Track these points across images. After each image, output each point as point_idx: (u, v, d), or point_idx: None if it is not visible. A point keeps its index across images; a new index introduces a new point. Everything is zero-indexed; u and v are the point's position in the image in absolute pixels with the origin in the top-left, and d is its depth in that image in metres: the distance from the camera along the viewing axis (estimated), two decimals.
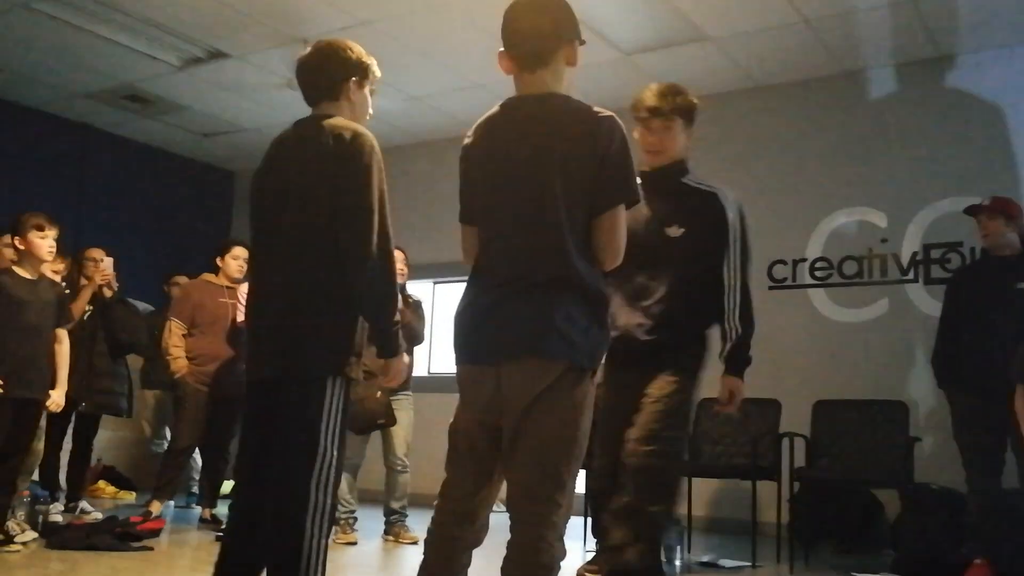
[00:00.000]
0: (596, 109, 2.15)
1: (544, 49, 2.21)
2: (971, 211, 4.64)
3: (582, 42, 2.28)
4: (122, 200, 7.96)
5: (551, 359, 2.03)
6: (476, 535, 2.16)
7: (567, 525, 2.09)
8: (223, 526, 3.79)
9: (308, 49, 2.85)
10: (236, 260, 5.57)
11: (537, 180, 2.10)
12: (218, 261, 5.68)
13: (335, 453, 2.54)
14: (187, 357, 5.49)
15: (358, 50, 2.80)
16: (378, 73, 2.85)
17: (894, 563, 4.58)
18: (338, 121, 2.62)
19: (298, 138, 2.68)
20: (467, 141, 2.28)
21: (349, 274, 2.51)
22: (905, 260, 5.87)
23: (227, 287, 5.61)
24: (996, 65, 5.69)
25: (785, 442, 4.97)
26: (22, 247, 4.47)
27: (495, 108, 2.27)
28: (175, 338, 5.51)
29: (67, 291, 4.98)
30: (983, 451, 4.39)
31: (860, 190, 6.01)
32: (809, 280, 6.10)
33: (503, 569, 2.03)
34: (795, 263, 6.17)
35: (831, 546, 5.25)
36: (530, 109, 2.20)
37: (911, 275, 5.84)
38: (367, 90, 2.81)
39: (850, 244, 6.05)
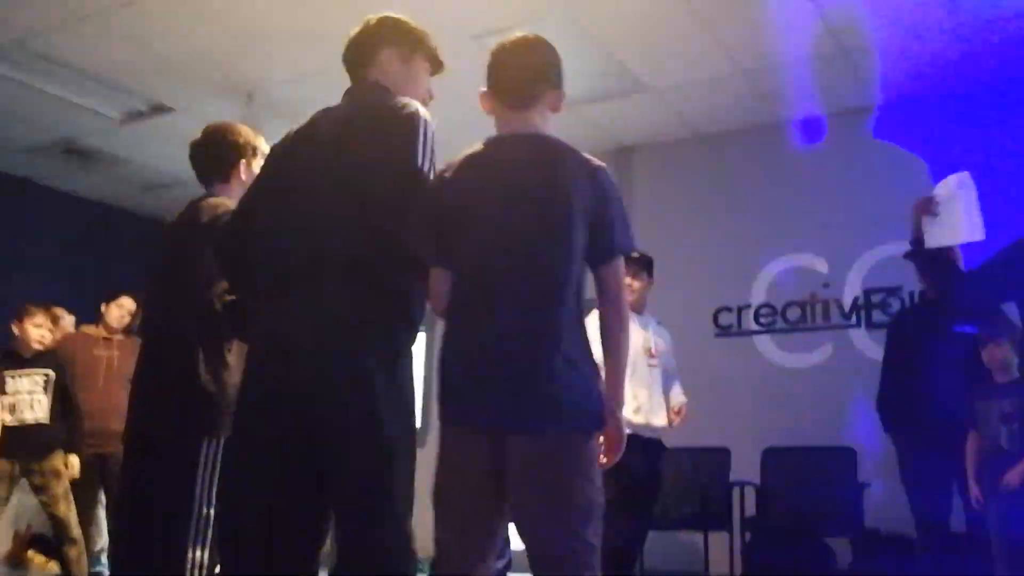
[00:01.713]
0: (589, 156, 2.12)
1: (533, 89, 2.17)
2: (910, 255, 4.71)
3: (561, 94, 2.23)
4: (62, 254, 7.80)
5: (556, 431, 1.94)
6: None
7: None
8: None
9: (198, 134, 2.96)
10: (120, 309, 5.35)
11: (545, 218, 2.03)
12: (102, 308, 5.44)
13: (210, 512, 2.52)
14: None
15: (247, 132, 2.94)
16: (266, 149, 2.86)
17: None
18: (217, 202, 2.76)
19: (184, 220, 2.80)
20: (447, 177, 2.13)
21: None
22: (847, 305, 5.95)
23: (104, 337, 5.37)
24: (925, 113, 5.84)
25: (736, 491, 4.97)
26: None
27: (477, 146, 2.18)
28: None
29: None
30: (931, 495, 4.41)
31: (800, 236, 6.10)
32: (754, 326, 6.16)
33: None
34: (740, 310, 6.23)
35: None
36: (527, 147, 2.13)
37: (853, 320, 5.92)
38: (256, 167, 2.87)
39: (793, 290, 6.12)
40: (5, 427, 4.77)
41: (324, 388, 2.01)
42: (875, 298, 5.85)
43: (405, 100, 2.24)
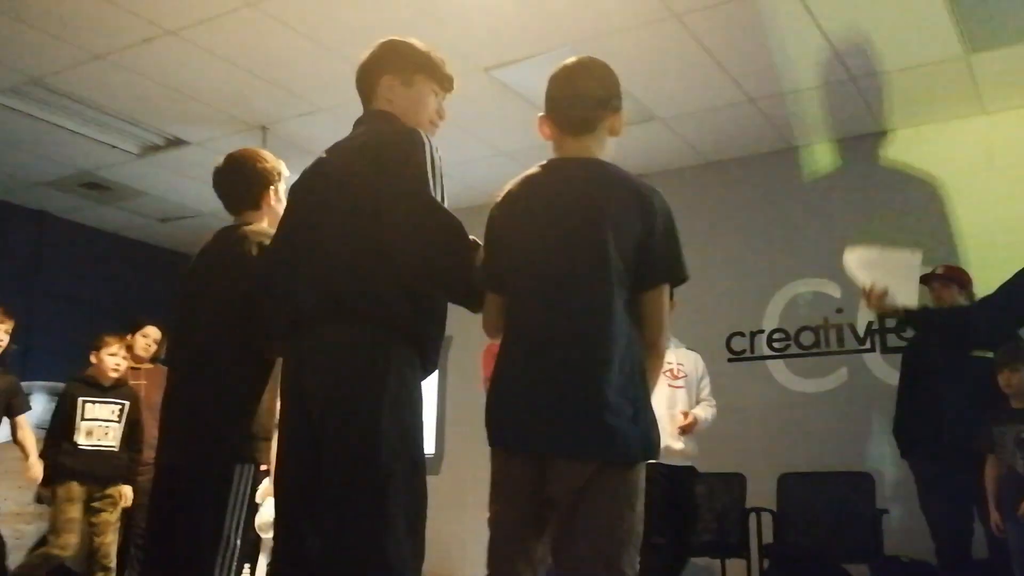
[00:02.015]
0: (643, 180, 2.10)
1: (591, 116, 2.15)
2: (924, 279, 4.71)
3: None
4: (79, 285, 7.88)
5: (601, 459, 1.91)
6: None
7: None
8: None
9: (220, 161, 2.93)
10: (145, 339, 5.45)
11: (589, 242, 1.99)
12: (128, 337, 5.51)
13: (238, 542, 2.53)
14: None
15: (270, 157, 2.93)
16: (287, 173, 2.92)
17: None
18: (251, 231, 2.74)
19: (215, 249, 2.79)
20: (501, 204, 2.15)
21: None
22: (861, 329, 5.93)
23: (132, 368, 5.41)
24: (935, 138, 5.85)
25: (752, 517, 4.94)
26: None
27: (533, 169, 2.17)
28: None
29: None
30: (951, 521, 4.37)
31: (813, 261, 6.09)
32: (767, 351, 6.15)
33: None
34: (752, 335, 6.23)
35: None
36: (578, 173, 2.10)
37: (868, 344, 5.89)
38: (282, 192, 2.88)
39: (806, 315, 6.11)
40: (79, 450, 4.92)
41: (333, 429, 2.08)
42: (890, 322, 5.83)
43: (405, 128, 2.25)
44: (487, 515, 2.05)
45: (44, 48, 5.04)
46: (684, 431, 4.32)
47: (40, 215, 7.81)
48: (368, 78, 2.42)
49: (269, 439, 2.65)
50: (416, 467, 2.12)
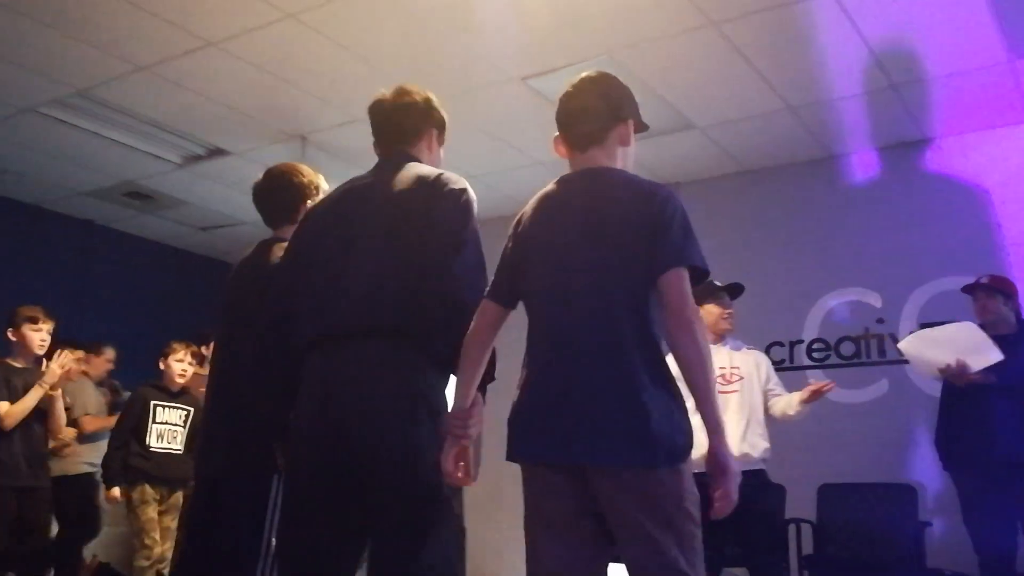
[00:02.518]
0: (651, 181, 2.13)
1: (596, 129, 2.19)
2: (968, 289, 4.66)
3: (643, 126, 2.26)
4: (123, 293, 8.00)
5: (632, 464, 1.91)
6: None
7: None
8: None
9: (260, 176, 3.02)
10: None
11: (593, 250, 2.04)
12: (202, 349, 5.60)
13: (273, 542, 2.56)
14: None
15: (308, 172, 3.00)
16: (326, 187, 2.99)
17: None
18: (285, 245, 2.77)
19: (254, 262, 2.86)
20: (517, 219, 2.24)
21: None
22: (902, 340, 5.85)
23: (198, 375, 5.51)
24: (980, 147, 5.77)
25: (792, 528, 4.90)
26: (15, 339, 4.66)
27: (549, 186, 2.23)
28: None
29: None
30: (995, 536, 4.30)
31: (853, 271, 6.04)
32: (807, 361, 6.09)
33: None
34: (792, 345, 6.17)
35: None
36: (583, 182, 2.16)
37: None
38: None
39: (846, 325, 6.05)
40: (151, 452, 5.06)
41: (373, 444, 2.13)
42: None
43: (454, 176, 2.36)
44: (520, 523, 2.07)
45: (89, 60, 5.13)
46: (817, 392, 4.27)
47: (86, 224, 7.94)
48: (412, 125, 2.54)
49: None
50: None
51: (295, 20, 4.65)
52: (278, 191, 2.97)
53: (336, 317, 2.26)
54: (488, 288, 2.20)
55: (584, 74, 2.27)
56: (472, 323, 2.16)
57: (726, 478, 1.93)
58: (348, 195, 2.44)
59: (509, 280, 2.18)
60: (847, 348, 6.03)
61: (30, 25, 4.76)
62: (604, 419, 1.93)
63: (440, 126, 2.69)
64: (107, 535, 6.91)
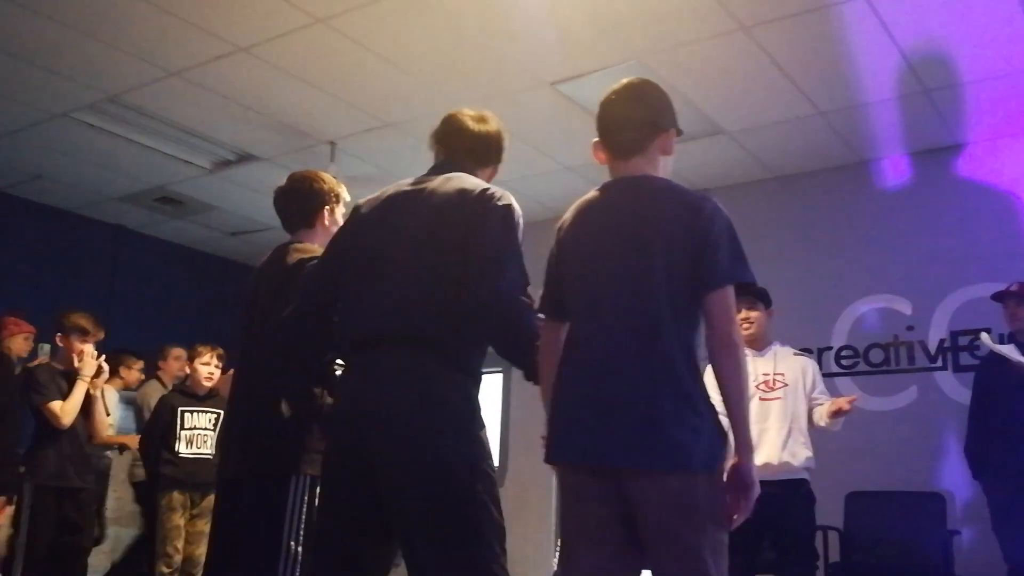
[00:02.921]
0: (696, 192, 2.13)
1: (638, 138, 2.18)
2: (998, 297, 4.62)
3: (679, 132, 2.26)
4: (152, 297, 8.07)
5: (667, 469, 1.93)
6: None
7: None
8: None
9: (284, 181, 3.07)
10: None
11: (638, 258, 2.03)
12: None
13: (299, 550, 2.57)
14: None
15: (330, 179, 3.04)
16: (348, 198, 3.05)
17: None
18: (304, 246, 2.87)
19: (271, 267, 2.88)
20: (560, 229, 2.24)
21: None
22: (932, 347, 5.81)
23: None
24: (1013, 152, 5.72)
25: (819, 535, 4.87)
26: (61, 344, 4.69)
27: (591, 193, 2.23)
28: None
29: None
30: None
31: (882, 278, 5.99)
32: (836, 368, 6.05)
33: None
34: (820, 351, 6.13)
35: None
36: (627, 190, 2.16)
37: (939, 362, 5.77)
38: (338, 214, 3.02)
39: (875, 332, 6.01)
40: (181, 458, 5.05)
41: (393, 451, 2.15)
42: (962, 340, 5.70)
43: (499, 191, 2.36)
44: (548, 527, 2.10)
45: (120, 66, 5.18)
46: (839, 411, 4.16)
47: (117, 229, 8.02)
48: (481, 150, 2.57)
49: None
50: (493, 482, 2.20)
51: (325, 25, 4.69)
52: (298, 196, 3.01)
53: (369, 323, 2.29)
54: (540, 305, 2.23)
55: (626, 81, 2.27)
56: (541, 346, 2.20)
57: (748, 494, 1.99)
58: (395, 199, 2.45)
59: (557, 291, 2.20)
60: (876, 355, 5.98)
61: (62, 31, 4.82)
62: (646, 425, 1.95)
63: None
64: (129, 538, 6.96)
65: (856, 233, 6.17)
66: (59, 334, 4.71)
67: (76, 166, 6.74)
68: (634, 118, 2.19)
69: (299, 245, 2.89)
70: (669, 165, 2.24)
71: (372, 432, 2.17)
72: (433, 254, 2.27)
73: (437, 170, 2.50)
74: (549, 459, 2.09)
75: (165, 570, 4.91)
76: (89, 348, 4.71)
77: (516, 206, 2.33)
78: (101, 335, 4.80)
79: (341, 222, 3.00)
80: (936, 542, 4.87)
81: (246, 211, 7.52)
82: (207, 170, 6.69)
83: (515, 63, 4.96)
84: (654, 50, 4.80)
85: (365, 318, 2.30)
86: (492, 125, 2.59)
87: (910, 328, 5.89)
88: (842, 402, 4.16)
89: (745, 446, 2.01)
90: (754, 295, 4.30)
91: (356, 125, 5.81)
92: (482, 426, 2.26)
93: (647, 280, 2.02)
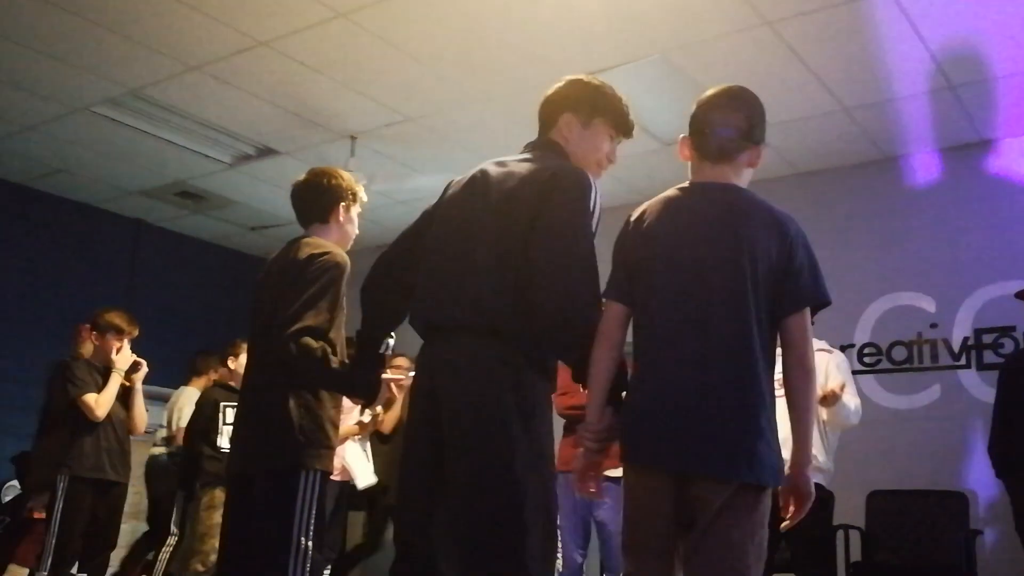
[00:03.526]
0: (780, 210, 2.13)
1: (731, 146, 2.18)
2: (1022, 295, 4.57)
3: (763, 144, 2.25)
4: (171, 292, 8.10)
5: (741, 481, 1.97)
6: None
7: None
8: None
9: (303, 175, 3.07)
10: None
11: (730, 266, 2.05)
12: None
13: (309, 545, 2.59)
14: None
15: (348, 177, 3.04)
16: (365, 198, 3.09)
17: None
18: (315, 241, 2.88)
19: (282, 261, 2.90)
20: (637, 222, 2.20)
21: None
22: (956, 345, 5.75)
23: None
24: None
25: (840, 535, 4.84)
26: (97, 342, 4.74)
27: (671, 191, 2.22)
28: None
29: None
30: None
31: (906, 275, 5.94)
32: (858, 366, 5.99)
33: None
34: (843, 349, 6.06)
35: None
36: (717, 196, 2.15)
37: (963, 360, 5.71)
38: (354, 212, 3.03)
39: (898, 329, 5.95)
40: (223, 453, 4.99)
41: (467, 429, 2.15)
42: (987, 338, 5.64)
43: (576, 168, 2.30)
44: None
45: (141, 60, 5.20)
46: (823, 400, 4.09)
47: (136, 223, 8.06)
48: (551, 110, 2.49)
49: (332, 448, 2.75)
50: (548, 478, 2.19)
51: (346, 19, 4.68)
52: (315, 192, 3.02)
53: (439, 310, 2.28)
54: (607, 288, 2.19)
55: (727, 86, 2.27)
56: (600, 326, 2.15)
57: (805, 504, 2.06)
58: (475, 181, 2.39)
59: (628, 279, 2.17)
60: (899, 353, 5.93)
61: (83, 25, 4.83)
62: (720, 434, 1.99)
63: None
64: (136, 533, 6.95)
65: (880, 230, 6.11)
66: (94, 332, 4.77)
67: (97, 160, 6.77)
68: (733, 126, 2.19)
69: (311, 240, 2.90)
70: (749, 177, 2.25)
71: (444, 415, 2.19)
72: (499, 244, 2.22)
73: (525, 150, 2.46)
74: (629, 457, 2.10)
75: (200, 568, 4.86)
76: (125, 345, 4.75)
77: (587, 189, 2.24)
78: (135, 332, 4.84)
79: (356, 221, 3.03)
80: (958, 542, 4.83)
81: (266, 206, 7.53)
82: (227, 164, 6.70)
83: (537, 57, 4.93)
84: (677, 45, 4.77)
85: (436, 304, 2.30)
86: (567, 84, 2.51)
87: (934, 326, 5.83)
88: (828, 390, 4.13)
89: (806, 462, 2.07)
90: None
91: (376, 119, 5.80)
92: (545, 420, 2.23)
93: (742, 299, 2.03)
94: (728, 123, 2.19)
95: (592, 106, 2.46)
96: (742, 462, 1.96)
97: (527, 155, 2.40)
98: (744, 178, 2.21)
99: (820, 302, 2.11)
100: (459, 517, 2.13)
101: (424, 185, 6.77)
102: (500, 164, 2.38)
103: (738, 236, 2.06)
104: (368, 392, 2.70)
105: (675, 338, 2.06)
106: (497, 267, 2.20)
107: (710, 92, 2.25)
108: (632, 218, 2.23)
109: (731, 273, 2.04)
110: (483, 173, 2.38)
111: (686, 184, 2.23)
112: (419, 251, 2.43)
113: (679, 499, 2.00)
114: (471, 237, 2.27)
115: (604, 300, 2.18)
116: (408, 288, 2.42)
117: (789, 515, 2.07)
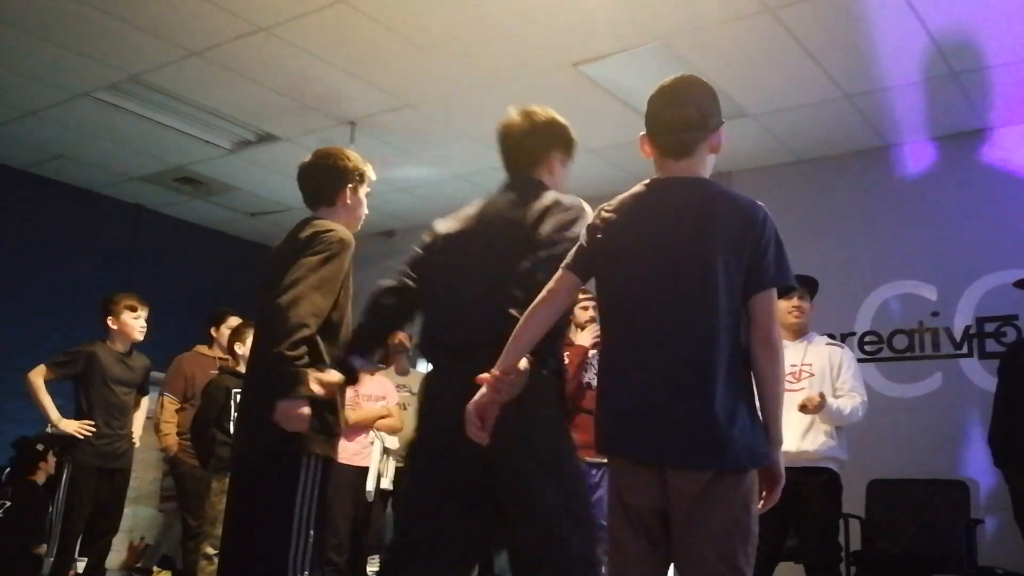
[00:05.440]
0: (748, 198, 2.15)
1: (689, 140, 2.19)
2: (1022, 284, 4.56)
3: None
4: (171, 277, 8.09)
5: (715, 468, 2.00)
6: None
7: None
8: None
9: (309, 156, 3.04)
10: (230, 330, 5.42)
11: (697, 258, 2.07)
12: (212, 332, 5.61)
13: (311, 533, 2.59)
14: (179, 432, 5.39)
15: (355, 158, 3.00)
16: (373, 177, 3.05)
17: None
18: (321, 221, 2.85)
19: (289, 243, 2.88)
20: (607, 215, 2.23)
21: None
22: (958, 334, 5.74)
23: (220, 358, 5.51)
24: None
25: (840, 524, 4.83)
26: (115, 327, 4.70)
27: (637, 188, 2.24)
28: (167, 413, 5.47)
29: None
30: None
31: (908, 263, 5.92)
32: (859, 354, 5.97)
33: None
34: (843, 337, 6.06)
35: None
36: (683, 191, 2.17)
37: (964, 349, 5.70)
38: (362, 193, 3.00)
39: (900, 318, 5.94)
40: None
41: (512, 452, 2.34)
42: (988, 327, 5.63)
43: (572, 200, 2.53)
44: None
45: (141, 45, 5.18)
46: (802, 408, 4.13)
47: (136, 208, 8.05)
48: (538, 146, 2.69)
49: (334, 435, 2.73)
50: (583, 477, 2.44)
51: (346, 5, 4.65)
52: (321, 173, 2.97)
53: (463, 332, 2.46)
54: (568, 260, 2.24)
55: (673, 79, 2.25)
56: (549, 285, 2.24)
57: (776, 486, 2.12)
58: (477, 220, 2.61)
59: (589, 261, 2.22)
60: (900, 341, 5.92)
61: (84, 10, 4.81)
62: (686, 424, 2.01)
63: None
64: (148, 517, 7.00)
65: (881, 217, 6.09)
66: (110, 317, 4.80)
67: (97, 146, 6.76)
68: (684, 120, 2.19)
69: (316, 220, 2.86)
70: (712, 161, 2.26)
71: (446, 439, 2.37)
72: (497, 270, 2.44)
73: (509, 186, 2.68)
74: (606, 450, 2.14)
75: (211, 551, 4.88)
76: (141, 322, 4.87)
77: (581, 217, 2.46)
78: (147, 311, 4.91)
79: (365, 201, 2.99)
80: (959, 531, 4.83)
81: (266, 191, 7.52)
82: (227, 150, 6.69)
83: (537, 43, 4.91)
84: (678, 31, 4.74)
85: (440, 332, 2.54)
86: (549, 121, 2.76)
87: (935, 314, 5.82)
88: (808, 399, 4.16)
89: (776, 438, 2.11)
90: (807, 286, 4.30)
91: (377, 105, 5.78)
92: (569, 436, 2.50)
93: (706, 282, 2.05)
94: (680, 119, 2.19)
95: (570, 145, 2.76)
96: (714, 449, 1.98)
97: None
98: (709, 164, 2.23)
99: (784, 285, 2.14)
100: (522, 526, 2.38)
101: (424, 172, 6.76)
102: (501, 200, 2.62)
103: (706, 230, 2.08)
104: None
105: (651, 336, 2.08)
106: (493, 293, 2.40)
107: (657, 89, 2.24)
108: (604, 212, 2.25)
109: (700, 267, 2.06)
110: (494, 203, 2.62)
111: (653, 180, 2.24)
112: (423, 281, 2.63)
113: (661, 490, 2.02)
114: (471, 270, 2.50)
115: (561, 269, 2.24)
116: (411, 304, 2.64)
117: (762, 499, 2.11)
